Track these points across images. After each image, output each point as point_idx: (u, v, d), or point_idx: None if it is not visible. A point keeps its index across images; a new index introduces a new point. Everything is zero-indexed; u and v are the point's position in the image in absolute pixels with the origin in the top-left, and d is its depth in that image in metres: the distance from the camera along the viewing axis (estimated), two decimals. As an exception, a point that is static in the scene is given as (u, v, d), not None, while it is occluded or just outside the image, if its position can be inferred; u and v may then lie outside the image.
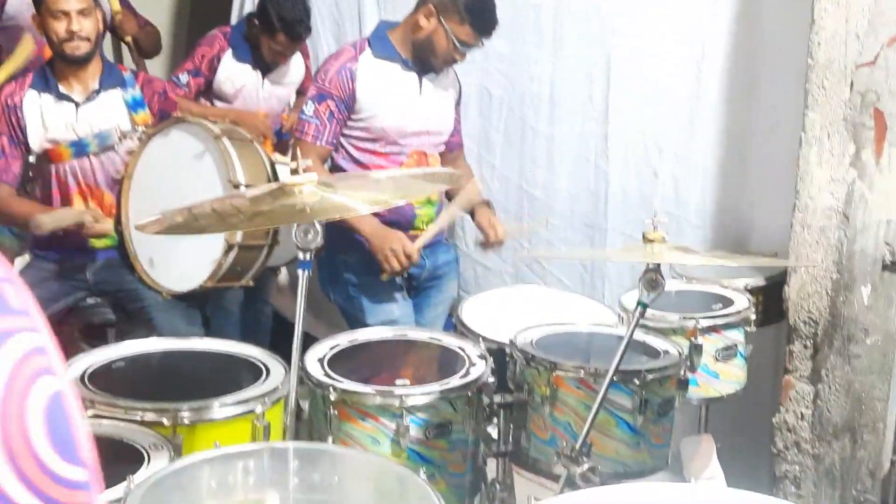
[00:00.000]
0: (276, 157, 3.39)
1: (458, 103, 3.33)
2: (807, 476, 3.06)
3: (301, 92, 4.18)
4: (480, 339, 2.62)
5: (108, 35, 4.16)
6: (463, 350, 2.47)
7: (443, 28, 2.96)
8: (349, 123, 3.06)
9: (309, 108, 3.03)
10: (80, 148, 3.11)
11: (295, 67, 4.17)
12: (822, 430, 3.01)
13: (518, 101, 3.88)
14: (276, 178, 2.92)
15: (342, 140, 3.08)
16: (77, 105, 3.11)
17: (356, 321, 3.13)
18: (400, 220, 3.10)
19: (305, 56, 4.24)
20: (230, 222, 2.21)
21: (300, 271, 2.09)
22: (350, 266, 3.15)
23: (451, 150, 3.33)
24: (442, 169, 3.16)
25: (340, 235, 2.95)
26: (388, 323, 3.01)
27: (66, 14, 2.97)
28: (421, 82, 3.11)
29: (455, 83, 3.29)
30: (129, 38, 4.31)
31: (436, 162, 3.21)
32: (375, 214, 3.01)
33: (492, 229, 3.19)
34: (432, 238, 3.12)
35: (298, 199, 1.99)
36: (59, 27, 2.99)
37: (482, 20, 3.00)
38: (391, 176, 2.67)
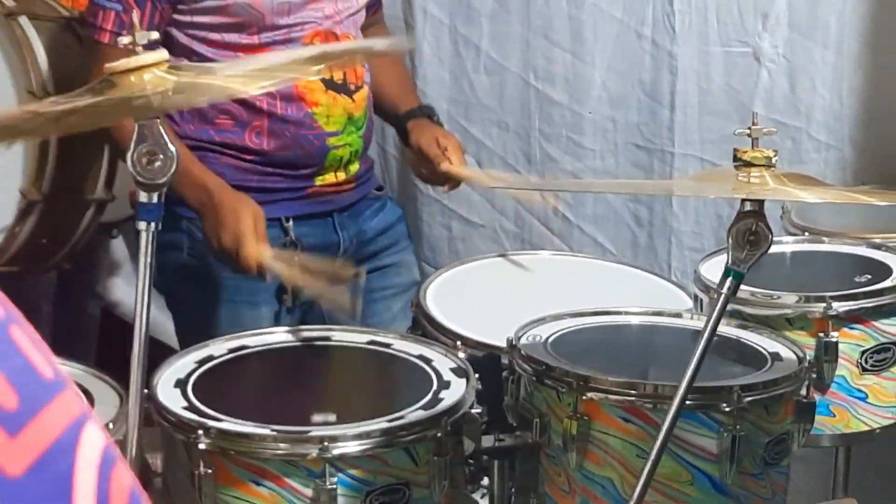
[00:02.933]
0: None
1: None
2: None
3: None
4: (458, 341, 2.62)
5: None
6: (428, 361, 2.47)
7: None
8: (183, 7, 2.96)
9: None
10: None
11: None
12: None
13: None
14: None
15: (178, 34, 2.99)
16: None
17: (193, 332, 3.04)
18: (301, 159, 3.06)
19: None
20: (22, 129, 2.20)
21: (141, 225, 2.10)
22: (195, 233, 3.04)
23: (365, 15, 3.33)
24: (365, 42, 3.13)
25: None
26: None
27: None
28: None
29: None
30: None
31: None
32: (262, 135, 3.00)
33: (437, 154, 3.15)
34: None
35: (137, 89, 1.98)
36: None
37: None
38: (285, 59, 2.65)
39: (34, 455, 0.49)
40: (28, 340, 0.53)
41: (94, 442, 0.51)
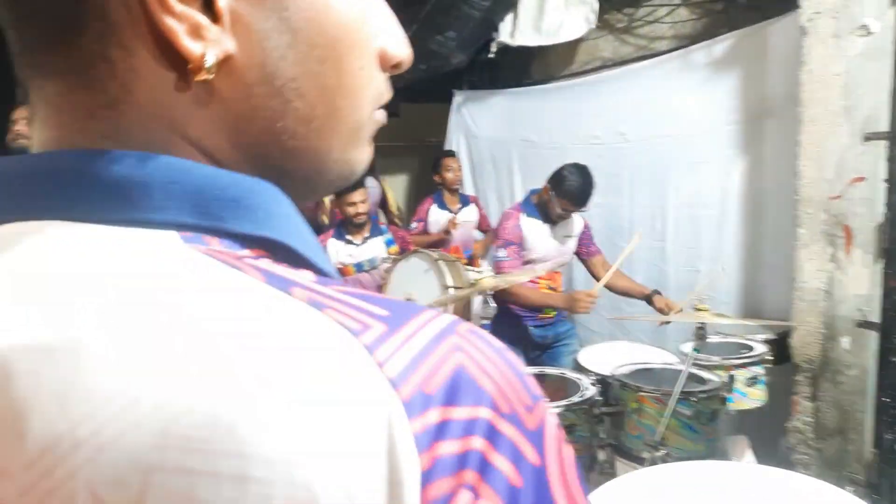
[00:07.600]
0: (469, 268, 3.32)
1: (584, 231, 3.09)
2: (812, 464, 2.88)
3: (482, 230, 4.33)
4: (591, 373, 2.60)
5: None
6: (580, 380, 2.44)
7: (553, 201, 2.86)
8: (518, 257, 2.94)
9: (502, 252, 2.89)
10: (359, 267, 3.38)
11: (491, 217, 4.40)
12: (821, 432, 2.85)
13: (609, 231, 3.87)
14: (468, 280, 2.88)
15: None
16: (356, 245, 3.40)
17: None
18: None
19: (479, 207, 4.45)
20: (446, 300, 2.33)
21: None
22: (506, 334, 2.93)
23: (591, 257, 3.14)
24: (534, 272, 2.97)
25: (508, 322, 2.85)
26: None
27: (353, 203, 3.31)
28: (552, 229, 2.97)
29: (576, 223, 3.06)
30: (393, 213, 4.89)
31: (559, 277, 3.07)
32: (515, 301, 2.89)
33: (668, 308, 2.82)
34: (601, 287, 2.87)
35: (482, 285, 2.10)
36: (350, 210, 3.33)
37: (578, 199, 2.83)
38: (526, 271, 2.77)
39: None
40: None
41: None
